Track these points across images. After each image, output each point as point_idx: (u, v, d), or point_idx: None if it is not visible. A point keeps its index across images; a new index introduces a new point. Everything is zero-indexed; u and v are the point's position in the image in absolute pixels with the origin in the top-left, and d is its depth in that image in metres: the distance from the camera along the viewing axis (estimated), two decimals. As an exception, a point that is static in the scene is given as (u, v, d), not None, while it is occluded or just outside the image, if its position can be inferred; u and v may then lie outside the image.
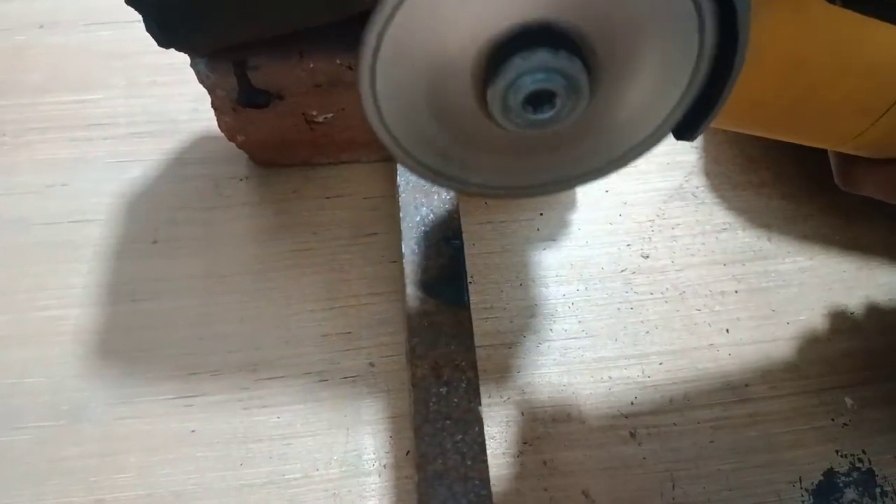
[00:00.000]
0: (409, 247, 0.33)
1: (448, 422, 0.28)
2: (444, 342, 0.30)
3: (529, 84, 0.22)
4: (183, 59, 0.38)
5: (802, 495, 0.36)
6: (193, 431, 0.36)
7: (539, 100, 0.22)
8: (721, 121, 0.27)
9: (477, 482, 0.27)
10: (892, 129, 0.30)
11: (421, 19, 0.21)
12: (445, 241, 0.35)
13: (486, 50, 0.23)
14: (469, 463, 0.27)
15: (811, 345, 0.40)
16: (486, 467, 0.27)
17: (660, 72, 0.24)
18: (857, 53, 0.27)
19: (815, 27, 0.26)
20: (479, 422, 0.28)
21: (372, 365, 0.39)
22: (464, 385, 0.29)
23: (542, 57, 0.21)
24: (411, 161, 0.27)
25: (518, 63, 0.21)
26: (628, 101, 0.25)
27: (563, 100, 0.22)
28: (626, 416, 0.38)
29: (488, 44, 0.22)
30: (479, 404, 0.28)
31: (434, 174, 0.28)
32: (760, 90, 0.28)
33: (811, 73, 0.27)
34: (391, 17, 0.21)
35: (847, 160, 0.34)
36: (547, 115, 0.23)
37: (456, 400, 0.28)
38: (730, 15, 0.22)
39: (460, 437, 0.27)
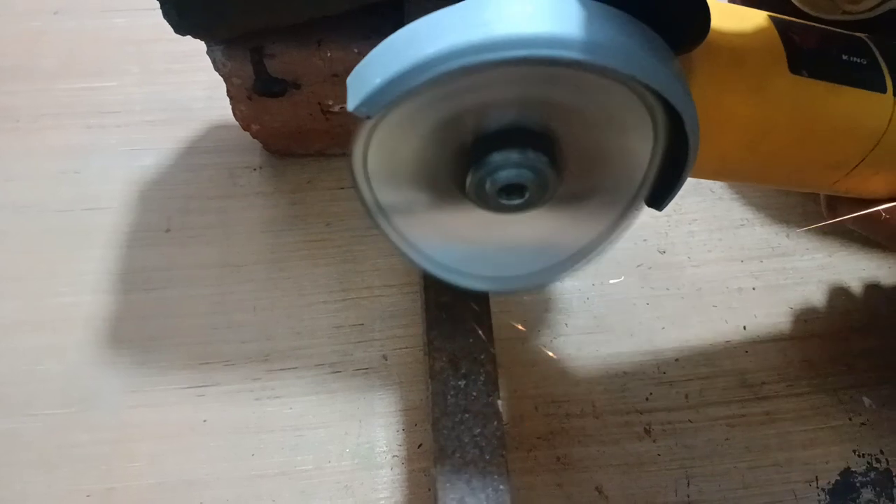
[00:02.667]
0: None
1: (467, 415, 0.27)
2: (463, 335, 0.30)
3: (503, 178, 0.25)
4: (197, 46, 0.38)
5: (819, 495, 0.35)
6: (205, 421, 0.36)
7: (511, 190, 0.26)
8: (696, 175, 0.29)
9: (496, 477, 0.26)
10: (866, 178, 0.30)
11: (408, 122, 0.24)
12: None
13: (467, 145, 0.25)
14: (487, 457, 0.27)
15: (829, 343, 0.40)
16: (505, 462, 0.27)
17: (621, 160, 0.27)
18: (820, 119, 0.27)
19: (780, 98, 0.27)
20: (498, 416, 0.27)
21: (385, 357, 0.39)
22: (482, 378, 0.28)
23: (515, 155, 0.24)
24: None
25: (495, 159, 0.25)
26: (595, 182, 0.28)
27: (532, 191, 0.26)
28: (641, 413, 0.37)
29: (469, 141, 0.25)
30: (498, 398, 0.28)
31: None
32: (728, 155, 0.28)
33: (777, 139, 0.28)
34: (382, 119, 0.24)
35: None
36: (517, 202, 0.26)
37: (474, 393, 0.28)
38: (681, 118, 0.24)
39: (479, 430, 0.27)
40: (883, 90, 0.28)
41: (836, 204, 0.34)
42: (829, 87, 0.27)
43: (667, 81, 0.22)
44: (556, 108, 0.24)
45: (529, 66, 0.22)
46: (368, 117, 0.22)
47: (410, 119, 0.24)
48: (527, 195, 0.26)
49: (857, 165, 0.29)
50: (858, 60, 0.28)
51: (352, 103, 0.22)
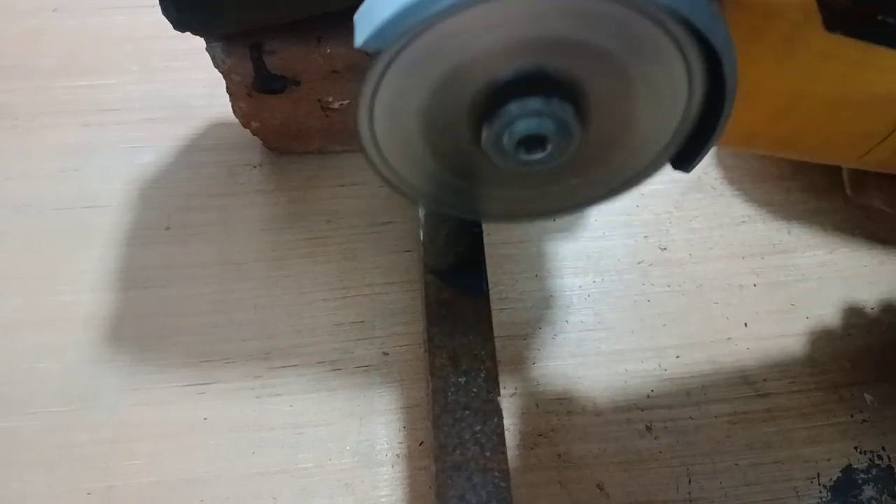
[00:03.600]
0: (428, 234, 0.33)
1: (467, 412, 0.27)
2: (463, 331, 0.30)
3: (523, 129, 0.23)
4: (197, 44, 0.37)
5: (821, 492, 0.35)
6: (206, 419, 0.36)
7: (531, 142, 0.23)
8: (720, 143, 0.27)
9: (496, 473, 0.26)
10: None
11: (421, 62, 0.22)
12: (464, 228, 0.34)
13: (483, 93, 0.23)
14: (488, 454, 0.27)
15: (831, 340, 0.40)
16: (506, 458, 0.27)
17: (651, 113, 0.25)
18: (855, 83, 0.26)
19: (812, 60, 0.25)
20: (499, 412, 0.27)
21: (385, 354, 0.38)
22: (483, 375, 0.28)
23: (535, 103, 0.22)
24: (411, 192, 0.29)
25: (512, 108, 0.23)
26: (623, 138, 0.26)
27: (555, 143, 0.23)
28: (642, 410, 0.37)
29: (486, 87, 0.23)
30: (499, 395, 0.28)
31: (437, 203, 0.30)
32: (757, 122, 0.27)
33: (809, 104, 0.27)
34: (393, 59, 0.22)
35: (859, 171, 0.34)
36: (538, 156, 0.24)
37: (475, 390, 0.28)
38: (718, 61, 0.22)
39: (479, 427, 0.27)
40: None
41: (862, 180, 0.34)
42: (866, 46, 0.26)
43: (708, 18, 0.21)
44: (582, 52, 0.22)
45: None
46: (378, 52, 0.21)
47: (423, 63, 0.22)
48: (548, 147, 0.24)
49: (890, 134, 0.28)
50: (892, 21, 0.27)
51: (359, 38, 0.20)
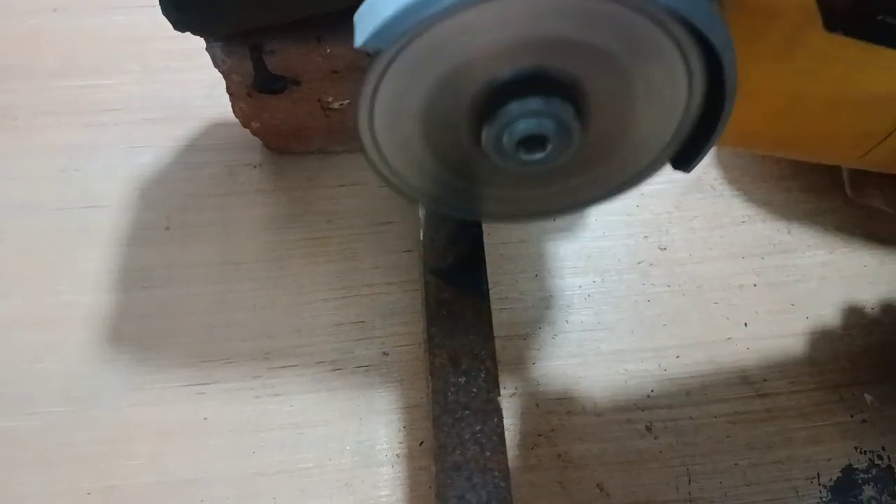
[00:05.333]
0: (428, 234, 0.33)
1: (467, 412, 0.27)
2: (463, 331, 0.30)
3: (522, 129, 0.23)
4: (197, 44, 0.37)
5: (821, 492, 0.35)
6: (206, 419, 0.36)
7: (531, 142, 0.23)
8: (720, 143, 0.27)
9: (496, 474, 0.26)
10: None
11: (421, 62, 0.22)
12: (464, 228, 0.34)
13: (483, 93, 0.23)
14: (488, 454, 0.27)
15: (831, 340, 0.40)
16: (506, 459, 0.27)
17: (651, 113, 0.25)
18: (855, 83, 0.26)
19: (812, 61, 0.25)
20: (499, 412, 0.27)
21: (385, 354, 0.38)
22: (483, 375, 0.28)
23: (535, 103, 0.22)
24: (411, 192, 0.29)
25: (512, 109, 0.23)
26: (623, 138, 0.26)
27: (554, 143, 0.24)
28: (643, 410, 0.37)
29: (485, 87, 0.23)
30: (499, 395, 0.28)
31: (437, 204, 0.30)
32: (757, 122, 0.27)
33: (809, 104, 0.27)
34: (393, 59, 0.22)
35: (859, 171, 0.34)
36: (538, 156, 0.24)
37: (475, 390, 0.28)
38: (717, 61, 0.22)
39: (479, 427, 0.27)
40: None
41: (862, 180, 0.34)
42: (866, 46, 0.26)
43: (708, 18, 0.21)
44: (582, 52, 0.22)
45: None
46: (379, 52, 0.21)
47: (423, 63, 0.22)
48: (548, 147, 0.24)
49: (889, 135, 0.28)
50: (892, 21, 0.27)
51: (360, 38, 0.21)
